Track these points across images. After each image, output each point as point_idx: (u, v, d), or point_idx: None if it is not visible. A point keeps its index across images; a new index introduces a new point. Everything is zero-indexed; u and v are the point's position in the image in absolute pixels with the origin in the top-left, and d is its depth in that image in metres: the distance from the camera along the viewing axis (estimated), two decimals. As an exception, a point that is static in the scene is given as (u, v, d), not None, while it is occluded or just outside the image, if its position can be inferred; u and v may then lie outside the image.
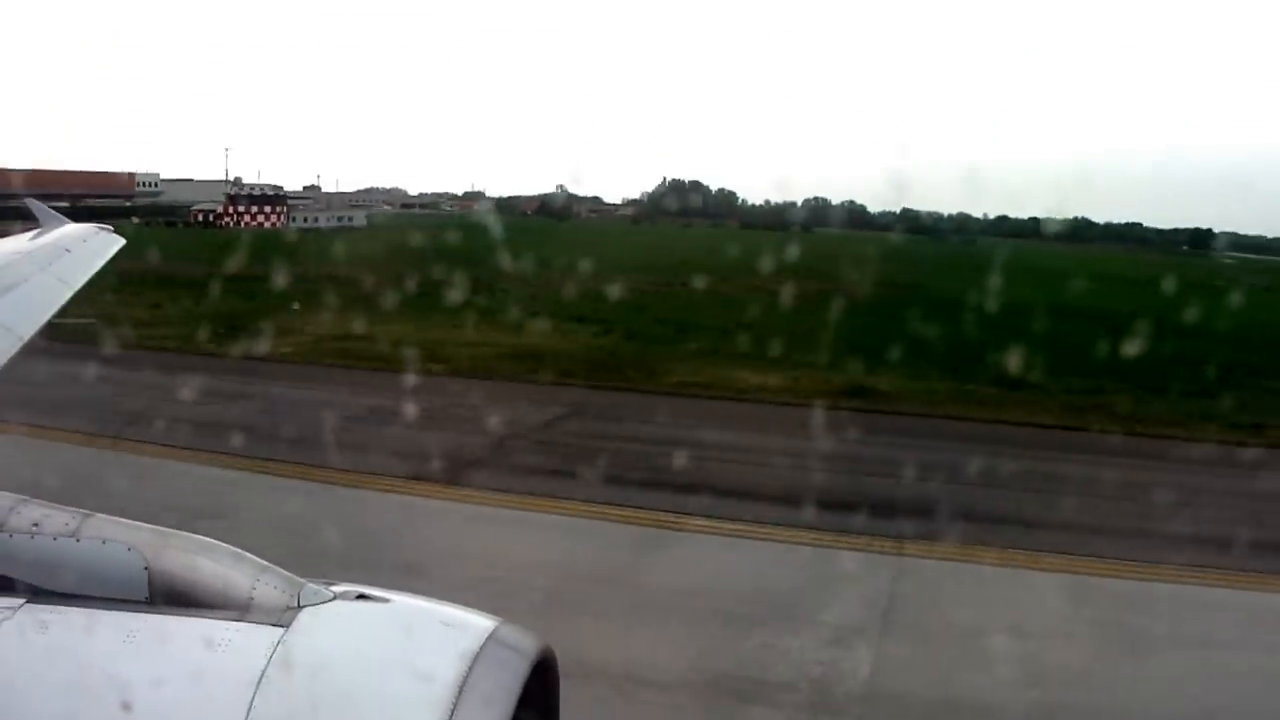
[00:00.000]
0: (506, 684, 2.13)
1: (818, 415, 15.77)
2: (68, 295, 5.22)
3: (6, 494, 2.47)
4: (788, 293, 25.46)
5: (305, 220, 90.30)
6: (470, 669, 2.11)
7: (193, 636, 2.19)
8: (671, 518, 11.54)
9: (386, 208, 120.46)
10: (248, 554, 2.39)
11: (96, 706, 2.09)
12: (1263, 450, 15.84)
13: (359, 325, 22.16)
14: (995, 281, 25.55)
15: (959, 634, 9.10)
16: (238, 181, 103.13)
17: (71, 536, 2.36)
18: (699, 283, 34.37)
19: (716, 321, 26.86)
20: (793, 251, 36.61)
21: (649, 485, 12.83)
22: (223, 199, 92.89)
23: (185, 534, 2.43)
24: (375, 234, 63.29)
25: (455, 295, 25.49)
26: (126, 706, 2.06)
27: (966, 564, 10.69)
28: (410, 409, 14.99)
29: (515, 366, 20.57)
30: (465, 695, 2.07)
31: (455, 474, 12.97)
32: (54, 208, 6.96)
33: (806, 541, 11.05)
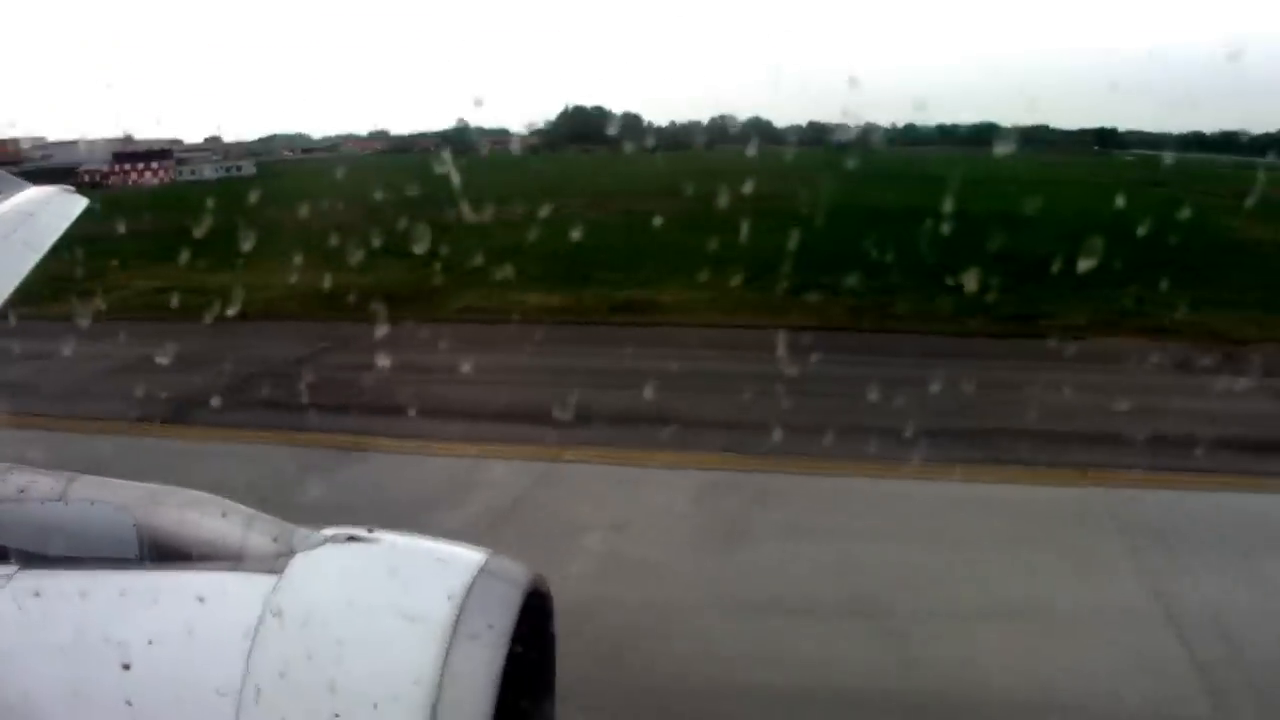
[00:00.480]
0: (501, 615, 2.16)
1: (566, 332, 16.66)
2: (34, 260, 5.09)
3: None
4: (637, 213, 25.47)
5: (193, 173, 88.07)
6: (464, 603, 2.14)
7: (186, 591, 2.20)
8: (351, 439, 12.25)
9: (287, 154, 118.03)
10: (237, 504, 2.41)
11: (95, 668, 2.11)
12: (997, 340, 16.75)
13: (159, 276, 22.13)
14: (853, 188, 25.60)
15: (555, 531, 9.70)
16: (129, 139, 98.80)
17: (59, 500, 2.37)
18: (550, 209, 33.96)
19: (548, 247, 26.17)
20: (668, 170, 36.11)
21: (350, 409, 13.58)
22: (110, 159, 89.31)
23: (173, 489, 2.44)
24: (253, 181, 61.40)
25: (287, 239, 24.93)
26: (125, 666, 2.08)
27: (592, 465, 11.47)
28: (166, 355, 14.41)
29: (307, 306, 20.59)
30: (460, 630, 2.09)
31: (179, 413, 13.59)
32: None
33: (466, 454, 11.82)
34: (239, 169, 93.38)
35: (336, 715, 2.03)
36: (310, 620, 2.14)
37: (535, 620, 2.32)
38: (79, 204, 6.10)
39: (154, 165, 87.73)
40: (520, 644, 2.19)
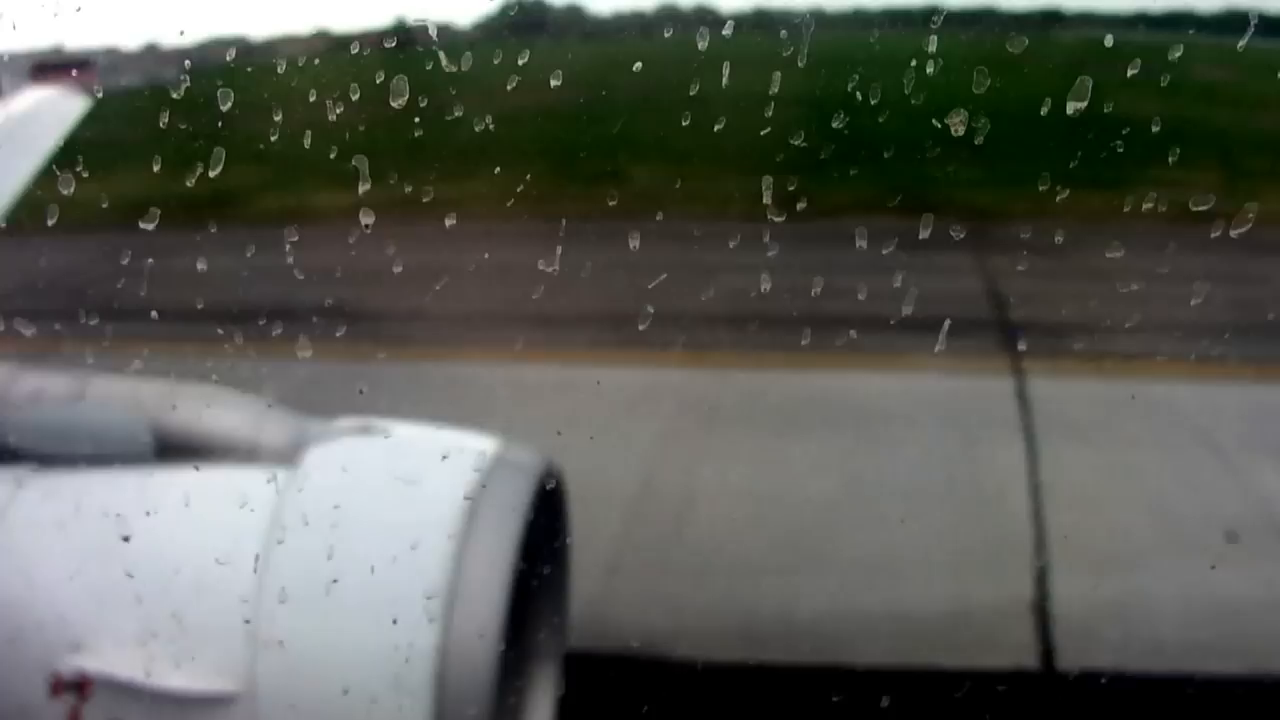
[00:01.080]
0: (515, 503, 2.21)
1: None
2: (35, 164, 4.99)
3: (2, 365, 2.48)
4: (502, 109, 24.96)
5: (121, 84, 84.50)
6: (478, 491, 2.18)
7: (203, 486, 2.25)
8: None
9: (228, 59, 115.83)
10: (250, 397, 2.45)
11: (116, 566, 2.13)
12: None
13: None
14: (733, 77, 24.95)
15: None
16: (58, 50, 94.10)
17: (74, 400, 2.40)
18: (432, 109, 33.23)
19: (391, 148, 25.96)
20: (574, 64, 34.82)
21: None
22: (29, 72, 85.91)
23: (187, 385, 2.46)
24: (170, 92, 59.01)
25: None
26: (145, 564, 2.12)
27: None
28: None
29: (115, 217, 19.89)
30: (476, 517, 2.14)
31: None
32: None
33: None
34: (167, 77, 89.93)
35: (354, 604, 2.08)
36: (327, 511, 2.17)
37: (549, 506, 2.38)
38: (80, 104, 6.10)
39: (76, 76, 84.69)
40: (534, 529, 2.24)
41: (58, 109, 5.62)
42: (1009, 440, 8.03)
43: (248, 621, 2.06)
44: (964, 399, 9.59)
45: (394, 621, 2.06)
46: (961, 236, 13.02)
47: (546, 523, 2.38)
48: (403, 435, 2.40)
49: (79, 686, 2.10)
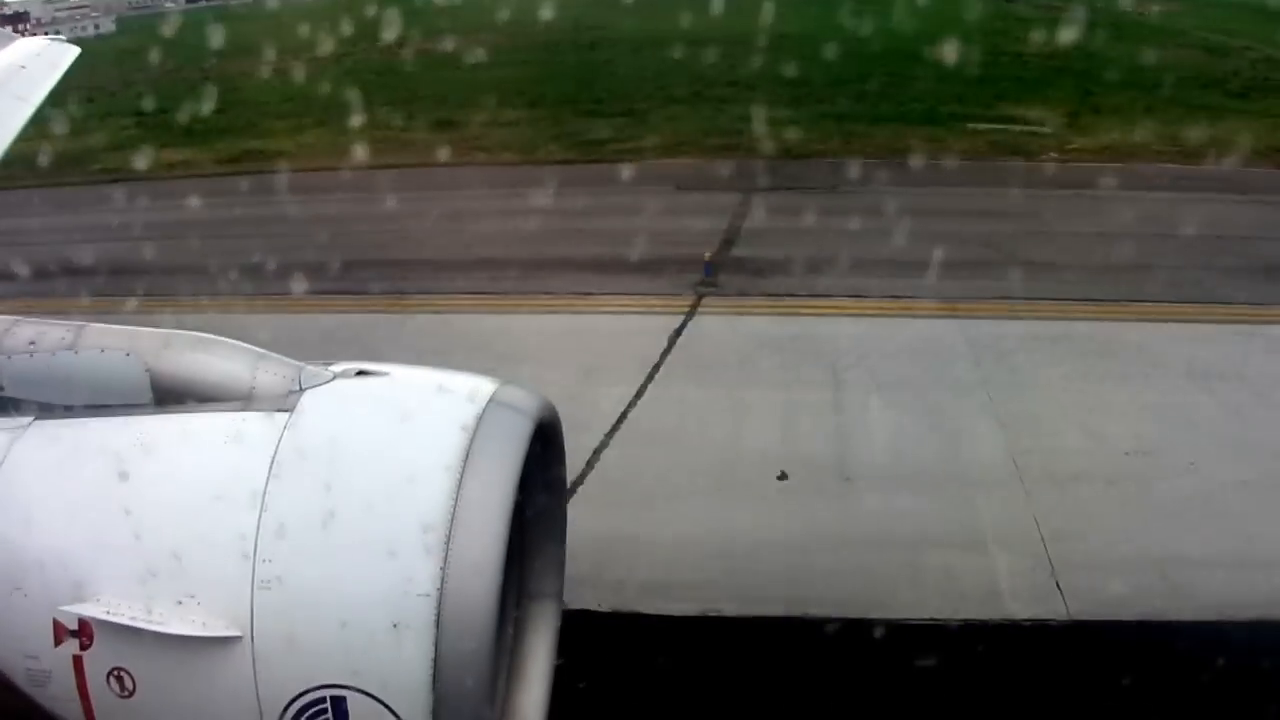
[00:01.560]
0: (512, 442, 2.21)
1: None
2: (28, 113, 4.89)
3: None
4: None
5: (57, 33, 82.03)
6: (475, 430, 2.19)
7: (201, 431, 2.26)
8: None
9: (169, 5, 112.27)
10: (244, 344, 2.44)
11: (116, 511, 2.16)
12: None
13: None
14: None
15: None
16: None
17: (70, 349, 2.38)
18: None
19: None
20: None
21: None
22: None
23: (181, 332, 2.46)
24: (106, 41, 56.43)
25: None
26: (145, 506, 2.15)
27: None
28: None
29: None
30: (473, 456, 2.14)
31: None
32: None
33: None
34: (97, 27, 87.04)
35: (352, 540, 2.09)
36: (324, 453, 2.19)
37: (546, 446, 2.39)
38: (71, 53, 5.89)
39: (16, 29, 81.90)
40: (533, 469, 2.26)
41: (52, 58, 5.65)
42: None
43: (246, 559, 2.08)
44: (622, 334, 10.00)
45: (392, 556, 2.08)
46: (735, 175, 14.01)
47: (543, 461, 2.39)
48: (399, 377, 2.40)
49: (81, 632, 2.12)
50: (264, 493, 2.11)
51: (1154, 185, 14.61)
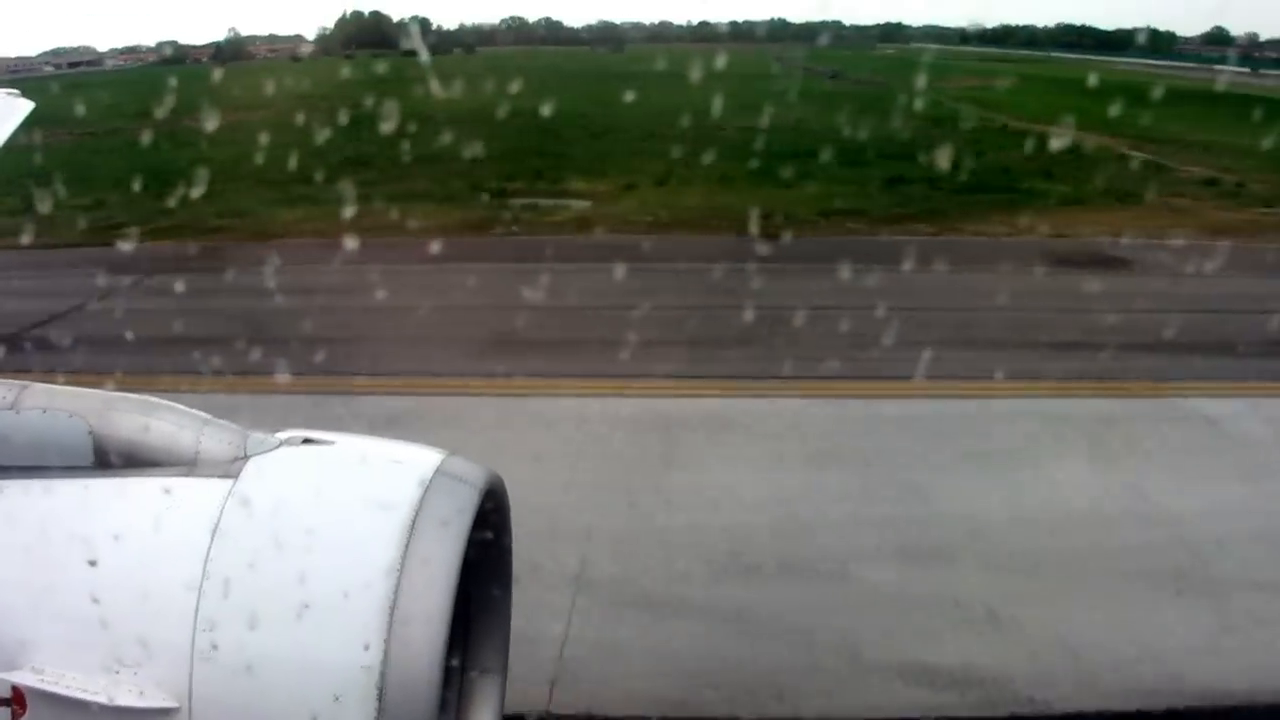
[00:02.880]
0: (458, 515, 2.20)
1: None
2: None
3: None
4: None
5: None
6: (421, 502, 2.17)
7: (143, 495, 2.20)
8: None
9: (48, 68, 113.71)
10: (190, 409, 2.40)
11: (52, 573, 2.10)
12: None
13: None
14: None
15: None
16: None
17: (10, 408, 2.30)
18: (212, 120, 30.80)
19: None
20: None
21: None
22: None
23: (126, 395, 2.40)
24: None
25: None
26: (82, 570, 2.08)
27: None
28: None
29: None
30: (419, 527, 2.12)
31: None
32: None
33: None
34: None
35: (294, 617, 2.06)
36: (267, 521, 2.16)
37: (492, 519, 2.40)
38: (24, 108, 5.62)
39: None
40: (477, 544, 2.25)
41: (6, 110, 5.41)
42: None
43: (186, 628, 2.04)
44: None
45: (334, 627, 2.05)
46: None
47: (489, 536, 2.41)
48: (345, 446, 2.39)
49: (14, 700, 2.04)
50: (206, 560, 2.07)
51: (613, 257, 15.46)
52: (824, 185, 21.22)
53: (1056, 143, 29.47)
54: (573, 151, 22.85)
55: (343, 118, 31.69)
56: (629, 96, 38.25)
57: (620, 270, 14.14)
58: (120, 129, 31.19)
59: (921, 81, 57.31)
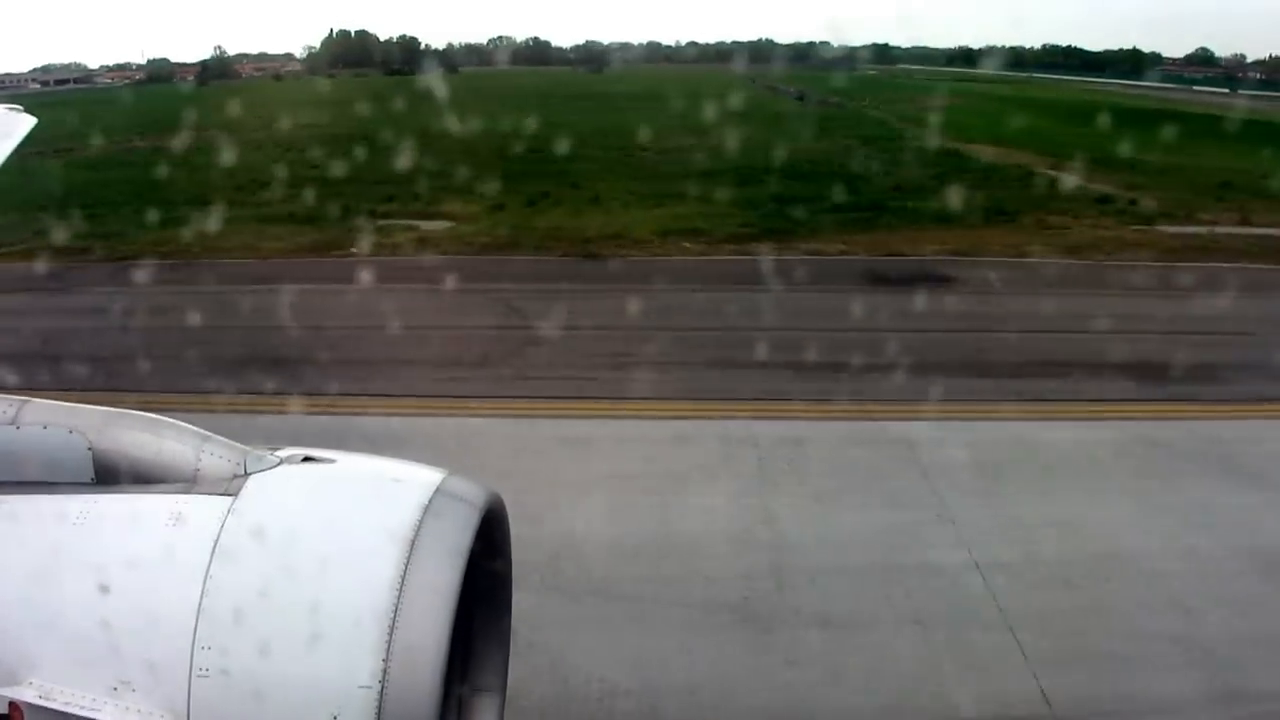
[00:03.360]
0: (458, 533, 2.20)
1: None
2: None
3: None
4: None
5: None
6: (421, 521, 2.16)
7: (143, 513, 2.22)
8: None
9: (35, 85, 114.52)
10: (190, 426, 2.41)
11: (53, 591, 2.11)
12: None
13: None
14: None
15: None
16: None
17: (11, 424, 2.32)
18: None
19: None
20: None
21: None
22: None
23: (126, 412, 2.42)
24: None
25: None
26: (82, 588, 2.10)
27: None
28: None
29: None
30: (419, 546, 2.12)
31: None
32: None
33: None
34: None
35: (294, 634, 2.06)
36: (267, 540, 2.16)
37: (493, 538, 2.40)
38: (27, 122, 5.69)
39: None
40: (477, 560, 2.24)
41: (10, 125, 5.50)
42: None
43: (185, 646, 2.04)
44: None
45: (333, 645, 2.06)
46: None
47: (489, 552, 2.40)
48: (345, 464, 2.39)
49: (11, 716, 2.06)
50: (205, 578, 2.08)
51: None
52: (696, 205, 21.14)
53: (972, 162, 29.50)
54: (479, 171, 22.91)
55: (274, 137, 32.16)
56: (573, 117, 38.16)
57: (406, 292, 14.33)
58: (67, 149, 31.00)
59: (883, 102, 57.38)
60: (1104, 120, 34.83)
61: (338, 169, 22.53)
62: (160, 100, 58.74)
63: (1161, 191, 24.30)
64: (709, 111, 32.65)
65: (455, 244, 18.77)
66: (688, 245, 18.40)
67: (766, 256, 16.62)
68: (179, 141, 28.15)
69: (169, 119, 36.09)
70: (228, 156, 24.23)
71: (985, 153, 32.41)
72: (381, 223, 20.13)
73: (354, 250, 17.75)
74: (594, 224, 19.96)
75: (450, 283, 14.77)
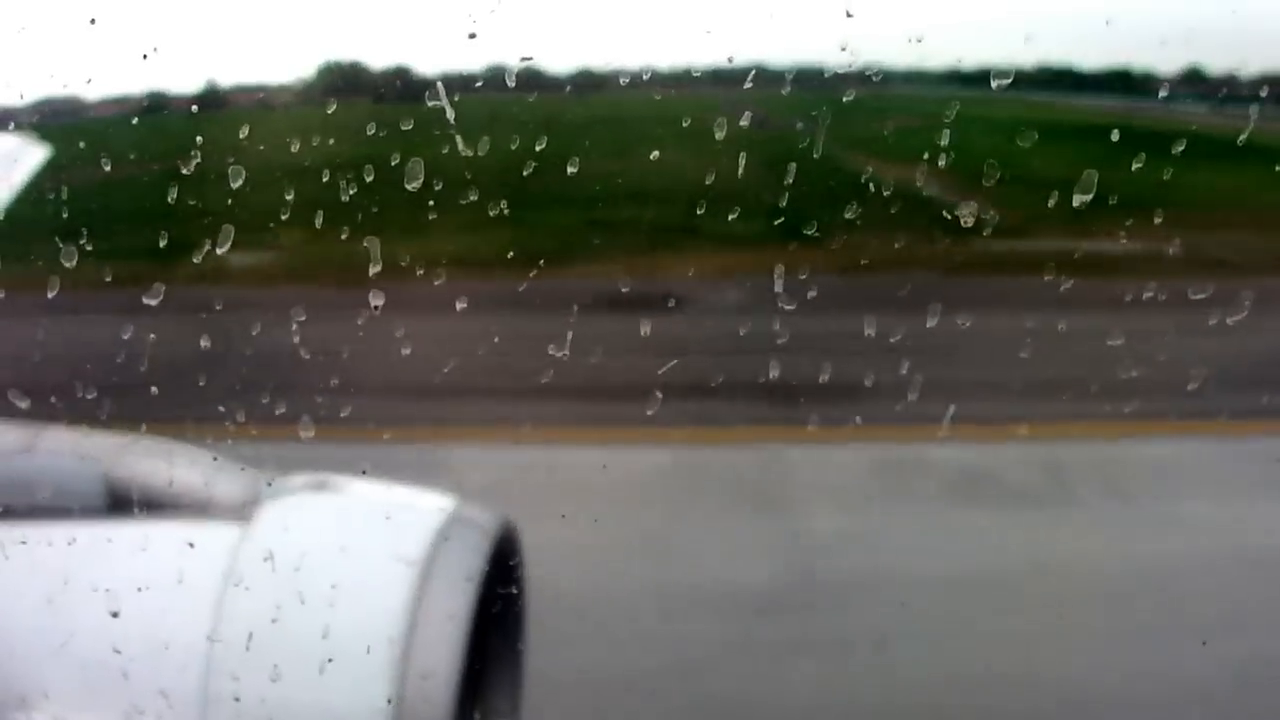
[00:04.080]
0: (472, 561, 2.19)
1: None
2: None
3: None
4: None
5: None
6: (434, 549, 2.16)
7: (156, 539, 2.21)
8: None
9: (35, 118, 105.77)
10: (205, 452, 2.42)
11: (65, 618, 2.10)
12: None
13: None
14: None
15: None
16: None
17: (26, 451, 2.34)
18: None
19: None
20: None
21: None
22: None
23: (141, 438, 2.43)
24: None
25: None
26: (95, 615, 2.07)
27: None
28: None
29: None
30: (432, 577, 2.11)
31: None
32: None
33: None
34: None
35: (307, 663, 2.05)
36: (280, 566, 2.14)
37: (506, 564, 2.39)
38: (39, 153, 5.36)
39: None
40: (492, 587, 2.24)
41: (18, 158, 5.24)
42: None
43: (198, 673, 2.04)
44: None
45: (346, 671, 2.05)
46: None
47: (503, 582, 2.39)
48: (359, 490, 2.40)
49: None
50: (218, 604, 2.07)
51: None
52: (511, 231, 20.90)
53: (859, 183, 29.07)
54: (363, 199, 22.86)
55: (201, 169, 32.10)
56: (513, 145, 38.05)
57: (161, 319, 14.15)
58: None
59: (843, 126, 56.80)
60: (1050, 138, 34.37)
61: (214, 200, 22.51)
62: (142, 131, 58.31)
63: (1039, 206, 24.06)
64: (652, 138, 32.41)
65: (253, 276, 18.29)
66: (453, 271, 18.18)
67: (509, 281, 16.30)
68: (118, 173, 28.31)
69: (134, 150, 35.63)
70: (148, 188, 24.01)
71: (884, 173, 31.82)
72: (202, 253, 20.03)
73: (159, 283, 17.66)
74: (386, 251, 19.59)
75: (198, 312, 14.57)
